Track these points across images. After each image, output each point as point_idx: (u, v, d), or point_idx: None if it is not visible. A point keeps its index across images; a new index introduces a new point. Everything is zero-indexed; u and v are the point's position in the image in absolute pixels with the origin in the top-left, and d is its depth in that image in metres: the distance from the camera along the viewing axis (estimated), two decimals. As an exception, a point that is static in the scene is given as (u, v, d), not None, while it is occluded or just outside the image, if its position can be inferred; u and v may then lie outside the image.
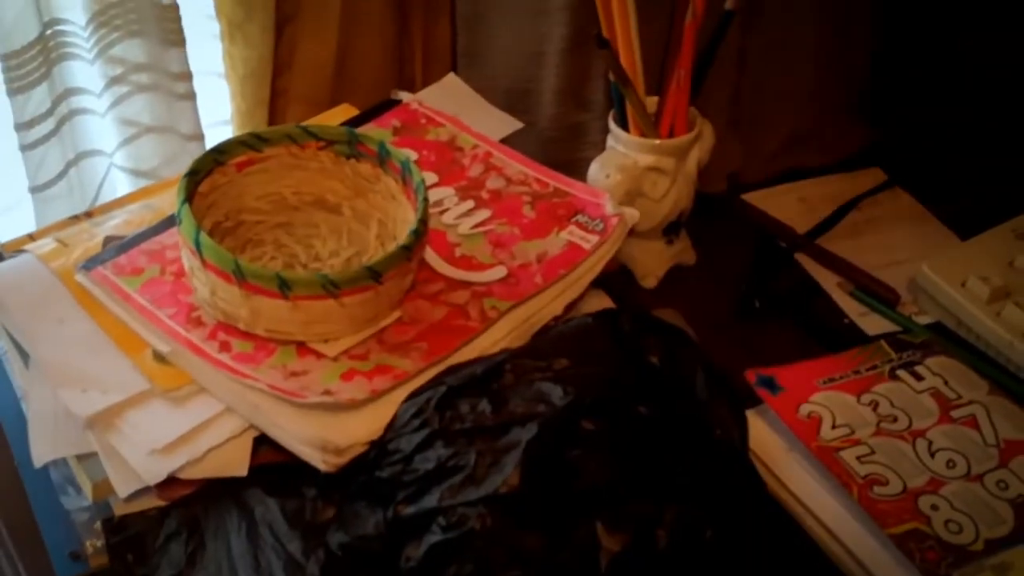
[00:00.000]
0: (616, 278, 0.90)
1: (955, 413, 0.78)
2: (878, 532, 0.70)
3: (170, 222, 0.79)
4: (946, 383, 0.80)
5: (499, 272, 0.80)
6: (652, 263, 0.93)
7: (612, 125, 0.89)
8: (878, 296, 0.92)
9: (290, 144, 0.81)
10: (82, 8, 0.90)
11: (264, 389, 0.69)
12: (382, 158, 0.80)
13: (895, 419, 0.77)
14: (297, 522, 0.69)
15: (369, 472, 0.67)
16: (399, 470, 0.65)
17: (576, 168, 0.91)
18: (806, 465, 0.76)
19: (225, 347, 0.72)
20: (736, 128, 1.05)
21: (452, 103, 0.95)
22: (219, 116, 1.04)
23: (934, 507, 0.72)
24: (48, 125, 0.92)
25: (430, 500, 0.63)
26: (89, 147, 0.97)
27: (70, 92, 0.93)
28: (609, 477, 0.64)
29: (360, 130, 0.85)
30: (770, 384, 0.79)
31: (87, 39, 0.92)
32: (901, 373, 0.81)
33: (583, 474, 0.64)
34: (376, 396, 0.70)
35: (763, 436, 0.78)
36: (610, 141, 0.90)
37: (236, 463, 0.71)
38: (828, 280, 0.95)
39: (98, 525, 0.70)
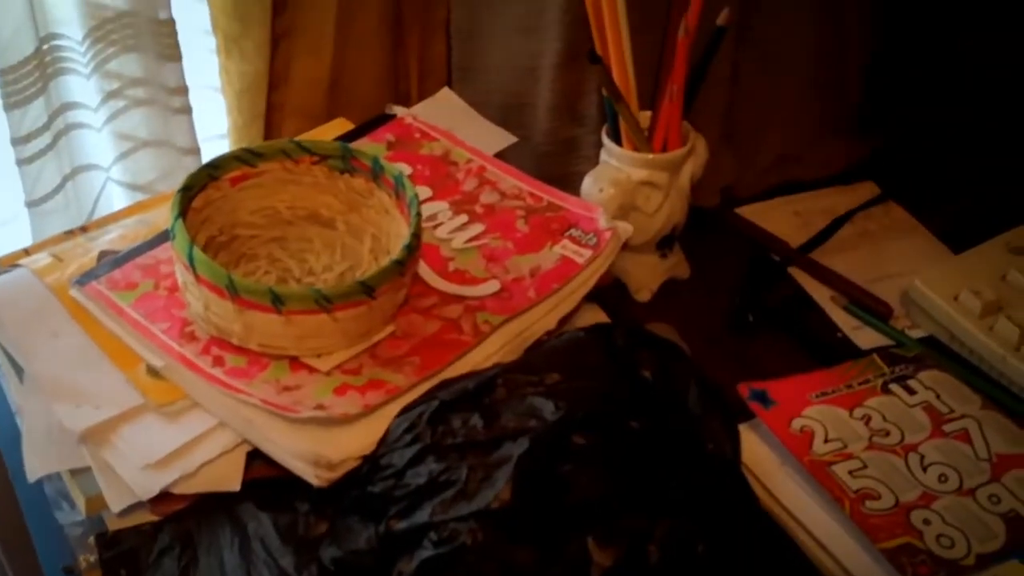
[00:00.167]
0: (610, 292, 0.90)
1: (947, 427, 0.78)
2: (870, 546, 0.70)
3: (164, 237, 0.80)
4: (938, 397, 0.81)
5: (492, 286, 0.80)
6: (646, 277, 0.93)
7: (605, 139, 0.89)
8: (871, 310, 0.92)
9: (284, 159, 0.81)
10: (79, 23, 0.91)
11: (257, 404, 0.70)
12: (376, 173, 0.80)
13: (887, 433, 0.78)
14: (290, 537, 0.69)
15: (361, 487, 0.67)
16: (391, 485, 0.66)
17: (570, 182, 0.91)
18: (798, 479, 0.76)
19: (218, 362, 0.73)
20: (730, 142, 1.05)
21: (446, 118, 0.95)
22: (215, 130, 1.04)
23: (926, 521, 0.72)
24: (45, 139, 0.92)
25: (422, 515, 0.63)
26: (85, 161, 0.97)
27: (67, 106, 0.94)
28: (601, 492, 0.65)
29: (354, 145, 0.85)
30: (762, 398, 0.80)
31: (83, 54, 0.92)
32: (894, 387, 0.81)
33: (575, 489, 0.64)
34: (369, 411, 0.70)
35: (756, 450, 0.78)
36: (603, 155, 0.90)
37: (229, 478, 0.71)
38: (821, 294, 0.95)
39: (91, 540, 0.70)
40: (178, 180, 0.78)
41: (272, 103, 1.00)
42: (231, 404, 0.71)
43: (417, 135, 0.93)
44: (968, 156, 1.05)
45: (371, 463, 0.68)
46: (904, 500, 0.73)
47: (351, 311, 0.72)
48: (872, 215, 1.04)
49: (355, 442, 0.69)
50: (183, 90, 0.96)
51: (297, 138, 0.82)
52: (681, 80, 0.87)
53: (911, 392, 0.81)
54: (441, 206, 0.86)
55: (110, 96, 0.95)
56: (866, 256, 0.99)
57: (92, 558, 0.69)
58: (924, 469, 0.75)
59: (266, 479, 0.72)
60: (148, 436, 0.71)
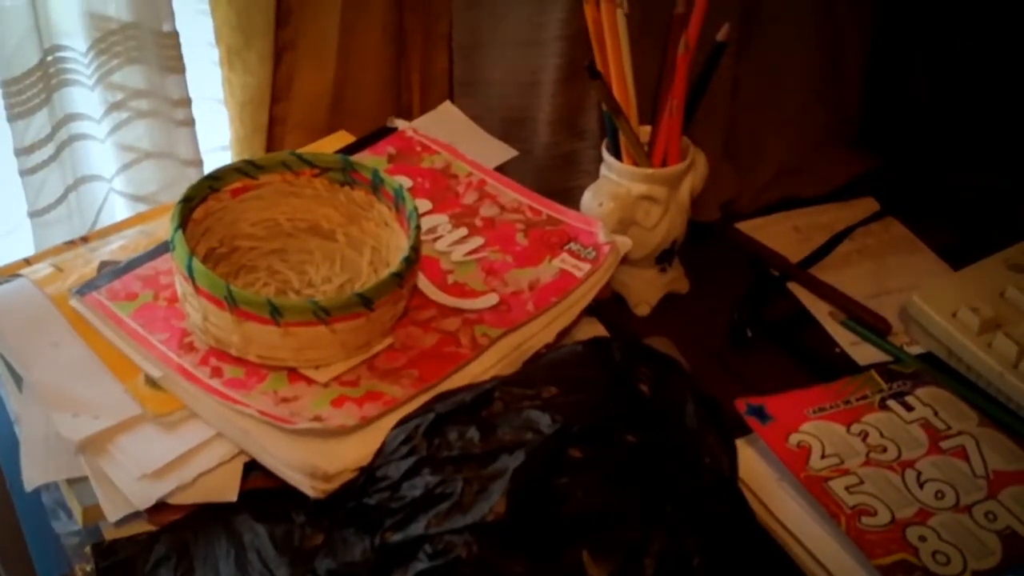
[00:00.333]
0: (609, 306, 0.90)
1: (944, 444, 0.78)
2: (866, 562, 0.70)
3: (164, 248, 0.80)
4: (936, 414, 0.81)
5: (491, 299, 0.80)
6: (645, 291, 0.93)
7: (605, 154, 0.90)
8: (869, 326, 0.92)
9: (284, 171, 0.81)
10: (83, 35, 0.91)
11: (254, 415, 0.70)
12: (376, 185, 0.81)
13: (884, 449, 0.78)
14: (285, 548, 0.69)
15: (357, 499, 0.67)
16: (387, 497, 0.66)
17: (570, 196, 0.92)
18: (795, 495, 0.76)
19: (217, 373, 0.73)
20: (730, 158, 1.06)
21: (447, 131, 0.96)
22: (218, 142, 1.05)
23: (922, 538, 0.72)
24: (48, 150, 0.93)
25: (417, 527, 0.63)
26: (89, 172, 0.98)
27: (70, 118, 0.94)
28: (596, 505, 0.65)
29: (355, 157, 0.86)
30: (760, 413, 0.80)
31: (87, 65, 0.93)
32: (891, 403, 0.81)
33: (570, 502, 0.64)
34: (366, 423, 0.71)
35: (753, 465, 0.78)
36: (603, 170, 0.90)
37: (226, 489, 0.71)
38: (820, 309, 0.95)
39: (88, 549, 0.70)
40: (180, 192, 0.78)
41: (274, 115, 1.01)
42: (228, 415, 0.71)
43: (418, 148, 0.93)
44: (968, 170, 1.05)
45: (367, 475, 0.68)
46: (900, 516, 0.73)
47: (349, 323, 0.72)
48: (871, 231, 1.04)
49: (351, 454, 0.69)
50: (186, 102, 0.97)
51: (298, 151, 0.83)
52: (681, 95, 0.87)
53: (909, 408, 0.81)
54: (441, 219, 0.87)
55: (113, 108, 0.96)
56: (865, 272, 0.99)
57: (88, 568, 0.69)
58: (921, 485, 0.75)
59: (263, 490, 0.72)
60: (146, 446, 0.71)
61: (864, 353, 0.91)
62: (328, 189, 0.82)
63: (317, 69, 0.99)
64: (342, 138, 0.96)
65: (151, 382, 0.74)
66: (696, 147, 0.91)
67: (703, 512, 0.68)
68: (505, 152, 0.96)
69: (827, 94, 1.10)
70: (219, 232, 0.80)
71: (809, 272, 0.98)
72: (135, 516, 0.70)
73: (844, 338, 0.92)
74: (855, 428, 0.79)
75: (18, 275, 0.81)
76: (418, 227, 0.76)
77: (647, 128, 0.91)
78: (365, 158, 0.90)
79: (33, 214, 0.95)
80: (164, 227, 0.82)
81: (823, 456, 0.77)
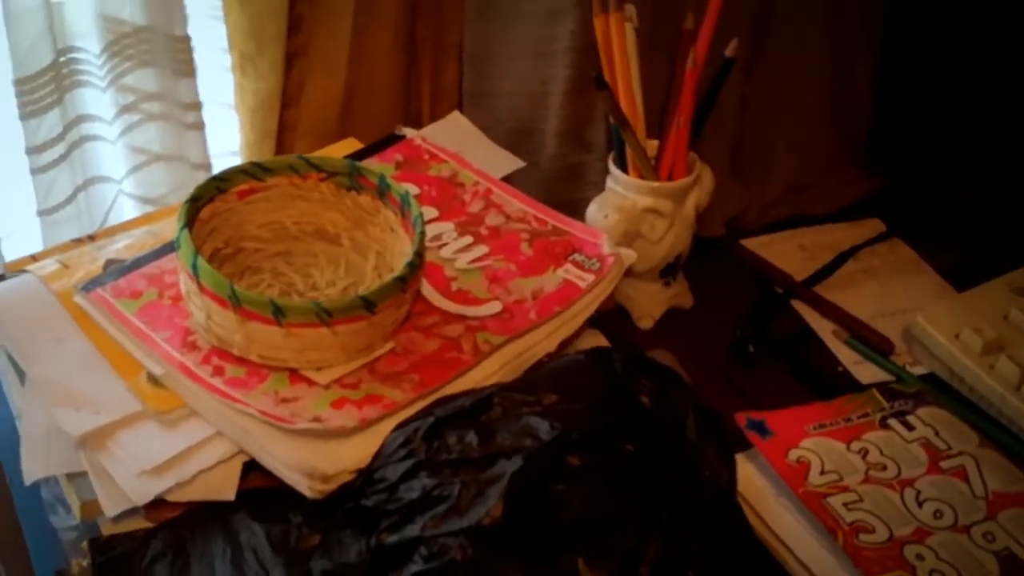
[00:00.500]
0: (612, 319, 0.91)
1: (944, 464, 0.78)
2: (863, 579, 0.70)
3: (170, 247, 0.80)
4: (937, 434, 0.81)
5: (494, 307, 0.80)
6: (649, 304, 0.94)
7: (612, 166, 0.90)
8: (872, 345, 0.92)
9: (292, 174, 0.82)
10: (97, 37, 0.92)
11: (254, 414, 0.70)
12: (382, 191, 0.81)
13: (884, 467, 0.77)
14: (282, 548, 0.69)
15: (355, 500, 0.67)
16: (384, 499, 0.66)
17: (576, 208, 0.92)
18: (793, 510, 0.76)
19: (218, 371, 0.73)
20: (737, 174, 1.06)
21: (455, 140, 0.96)
22: (227, 147, 1.05)
23: (919, 557, 0.71)
24: (59, 150, 0.94)
25: (413, 529, 0.63)
26: (98, 173, 0.99)
27: (82, 119, 0.95)
28: (593, 512, 0.65)
29: (362, 164, 0.86)
30: (760, 428, 0.80)
31: (100, 67, 0.94)
32: (892, 422, 0.81)
33: (567, 508, 0.64)
34: (365, 425, 0.71)
35: (752, 480, 0.78)
36: (609, 182, 0.91)
37: (224, 487, 0.71)
38: (823, 328, 0.95)
39: (85, 544, 0.70)
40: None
41: (284, 122, 1.01)
42: (229, 414, 0.71)
43: (425, 156, 0.94)
44: (974, 192, 1.05)
45: (365, 477, 0.68)
46: (898, 534, 0.73)
47: (351, 325, 0.72)
48: (877, 252, 1.04)
49: (350, 455, 0.69)
50: (197, 106, 0.98)
51: (305, 155, 0.83)
52: (688, 110, 0.87)
53: (909, 428, 0.81)
54: (446, 226, 0.87)
55: (125, 110, 0.97)
56: (870, 292, 0.99)
57: (85, 562, 0.69)
58: (919, 504, 0.75)
59: (260, 490, 0.72)
60: (145, 443, 0.71)
61: (866, 372, 0.91)
62: (335, 193, 0.83)
63: (328, 76, 1.00)
64: (350, 145, 0.96)
65: (153, 379, 0.74)
66: (703, 162, 0.91)
67: (700, 523, 0.68)
68: (512, 163, 0.97)
69: (836, 113, 1.10)
70: (225, 233, 0.80)
71: (813, 290, 0.98)
72: (133, 512, 0.70)
73: (847, 357, 0.92)
74: (855, 445, 0.79)
75: (24, 271, 0.81)
76: (423, 232, 0.76)
77: (654, 142, 0.91)
78: (373, 165, 0.91)
79: (42, 213, 0.95)
80: (170, 228, 0.83)
81: (822, 472, 0.77)
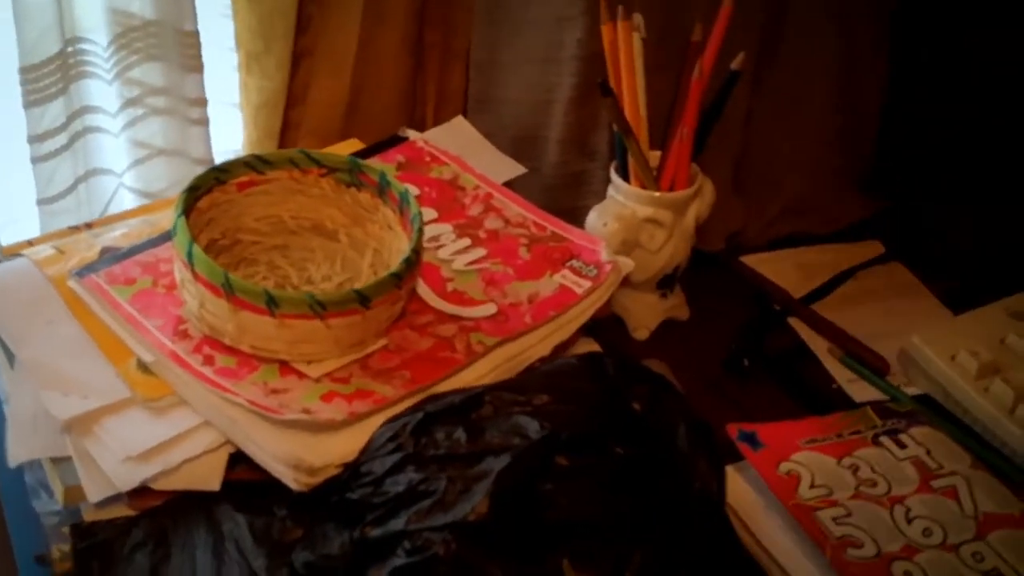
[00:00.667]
0: (608, 328, 0.90)
1: (935, 483, 0.78)
2: (850, 594, 0.70)
3: (166, 237, 0.80)
4: (929, 453, 0.80)
5: (489, 309, 0.80)
6: (645, 315, 0.93)
7: (613, 175, 0.90)
8: (868, 364, 0.92)
9: (292, 169, 0.82)
10: (105, 29, 0.92)
11: (243, 404, 0.70)
12: (382, 188, 0.81)
13: (874, 484, 0.77)
14: (264, 540, 0.68)
15: (340, 493, 0.67)
16: (369, 492, 0.65)
17: (577, 216, 0.92)
18: (782, 523, 0.75)
19: (209, 361, 0.73)
20: (739, 190, 1.06)
21: (458, 144, 0.96)
22: (230, 146, 1.05)
23: (907, 573, 0.71)
24: (61, 139, 0.93)
25: (397, 523, 0.63)
26: (100, 165, 0.99)
27: (86, 110, 0.95)
28: (580, 514, 0.64)
29: (363, 161, 0.86)
30: (751, 440, 0.79)
31: (107, 59, 0.94)
32: (884, 440, 0.81)
33: (554, 508, 0.64)
34: (354, 419, 0.70)
35: (741, 492, 0.77)
36: (610, 190, 0.90)
37: (209, 477, 0.71)
38: (819, 345, 0.95)
39: (66, 530, 0.69)
40: (189, 191, 0.78)
41: (289, 121, 1.01)
42: (217, 403, 0.71)
43: (427, 158, 0.94)
44: (976, 218, 1.05)
45: (351, 470, 0.68)
46: (886, 550, 0.72)
47: (344, 319, 0.72)
48: (876, 273, 1.04)
49: (337, 449, 0.69)
50: (202, 102, 0.98)
51: (307, 150, 0.83)
52: (692, 121, 0.87)
53: (902, 446, 0.80)
54: (445, 228, 0.87)
55: (129, 103, 0.97)
56: (867, 313, 0.99)
57: (65, 548, 0.69)
58: (909, 521, 0.74)
59: (246, 482, 0.71)
60: (132, 429, 0.71)
61: (861, 391, 0.90)
62: (334, 189, 0.83)
63: (334, 77, 1.00)
64: (353, 145, 0.97)
65: (143, 366, 0.74)
66: (705, 175, 0.91)
67: (688, 532, 0.67)
68: (514, 168, 0.97)
69: (841, 134, 1.10)
70: (223, 224, 0.80)
71: (811, 308, 0.98)
72: (116, 500, 0.70)
73: (841, 375, 0.92)
74: (846, 461, 0.78)
75: (19, 255, 0.81)
76: (421, 230, 0.76)
77: (657, 153, 0.91)
78: (374, 164, 0.91)
79: (41, 202, 0.95)
80: (168, 218, 0.83)
81: (812, 486, 0.76)
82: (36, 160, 0.93)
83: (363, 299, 0.72)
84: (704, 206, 0.91)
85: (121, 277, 0.78)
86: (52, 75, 0.90)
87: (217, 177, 0.79)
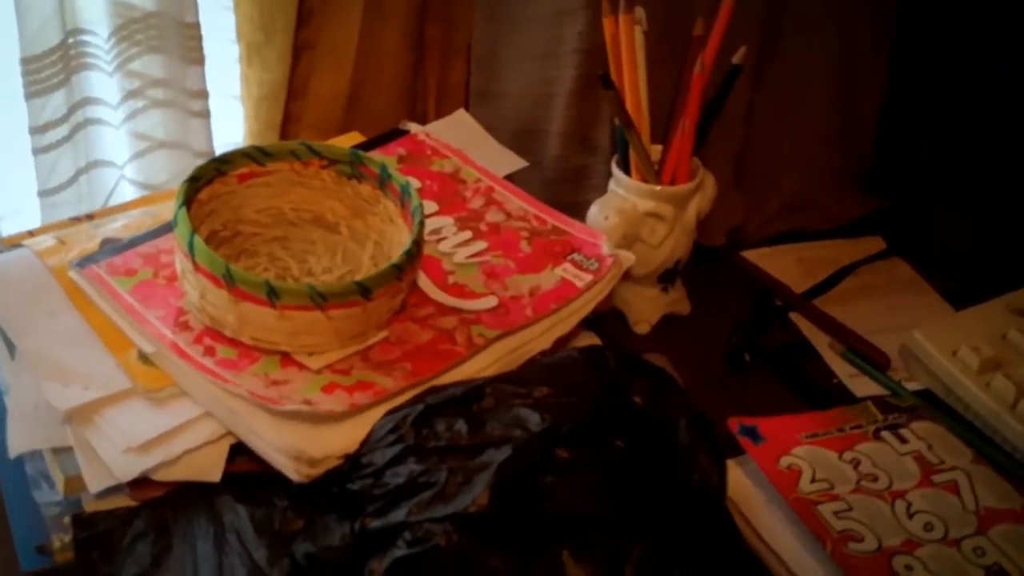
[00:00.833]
0: (609, 323, 0.90)
1: (936, 478, 0.78)
2: (850, 587, 0.70)
3: (167, 228, 0.80)
4: (930, 448, 0.80)
5: (490, 302, 0.80)
6: (646, 309, 0.93)
7: (614, 168, 0.90)
8: (868, 359, 0.92)
9: (293, 160, 0.82)
10: (106, 21, 0.92)
11: (243, 395, 0.70)
12: (383, 180, 0.81)
13: (875, 478, 0.77)
14: (265, 531, 0.68)
15: (341, 484, 0.67)
16: (370, 483, 0.65)
17: (578, 211, 0.92)
18: (782, 517, 0.75)
19: (210, 352, 0.73)
20: (740, 185, 1.06)
21: (459, 138, 0.96)
22: (230, 139, 1.05)
23: (908, 567, 0.71)
24: (62, 131, 0.93)
25: (398, 514, 0.63)
26: (101, 157, 0.98)
27: (87, 101, 0.95)
28: (581, 506, 0.64)
29: (364, 154, 0.86)
30: (752, 433, 0.79)
31: (108, 51, 0.94)
32: (885, 434, 0.81)
33: (555, 501, 0.64)
34: (355, 411, 0.70)
35: (742, 486, 0.77)
36: (611, 184, 0.90)
37: (210, 468, 0.70)
38: (820, 340, 0.95)
39: (67, 520, 0.69)
40: (190, 183, 0.78)
41: (289, 114, 1.01)
42: (218, 394, 0.71)
43: (428, 151, 0.94)
44: (977, 215, 1.05)
45: (352, 461, 0.67)
46: (887, 544, 0.72)
47: (345, 311, 0.72)
48: (877, 269, 1.04)
49: (338, 441, 0.69)
50: (203, 94, 0.98)
51: (308, 141, 0.83)
52: (694, 115, 0.87)
53: (903, 440, 0.80)
54: (446, 221, 0.87)
55: (130, 95, 0.96)
56: (868, 308, 0.98)
57: (66, 538, 0.69)
58: (910, 516, 0.74)
59: (246, 474, 0.71)
60: (133, 420, 0.71)
61: (861, 386, 0.90)
62: (335, 181, 0.83)
63: (334, 70, 1.00)
64: (354, 138, 0.96)
65: (143, 357, 0.73)
66: (706, 169, 0.91)
67: (689, 526, 0.67)
68: (515, 162, 0.97)
69: (841, 133, 1.10)
70: (223, 215, 0.80)
71: (812, 303, 0.98)
72: (117, 490, 0.70)
73: (842, 370, 0.92)
74: (847, 455, 0.78)
75: (20, 245, 0.81)
76: (422, 222, 0.76)
77: (658, 147, 0.91)
78: (375, 157, 0.91)
79: (43, 193, 0.95)
80: (169, 210, 0.82)
81: (813, 480, 0.76)
82: (37, 151, 0.93)
83: (364, 291, 0.72)
84: (706, 200, 0.91)
85: (122, 268, 0.78)
86: (53, 66, 0.90)
87: (218, 168, 0.79)
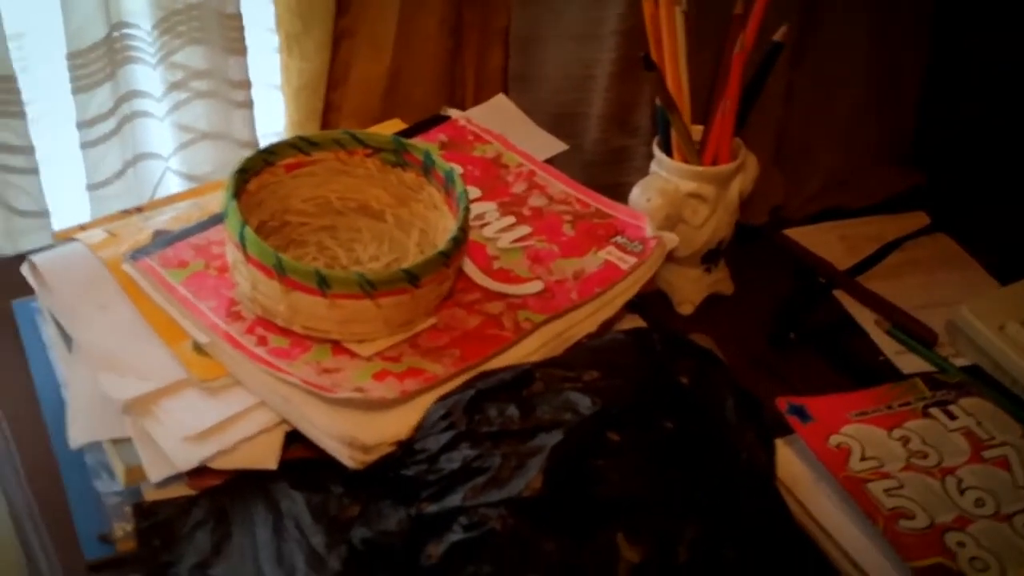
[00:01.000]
0: (653, 304, 0.90)
1: (986, 453, 0.77)
2: (902, 565, 0.70)
3: (217, 219, 0.81)
4: (979, 424, 0.80)
5: (535, 286, 0.80)
6: (689, 290, 0.93)
7: (656, 150, 0.90)
8: (915, 335, 0.91)
9: (338, 149, 0.82)
10: (148, 13, 0.93)
11: (296, 383, 0.71)
12: (427, 167, 0.82)
13: (925, 455, 0.77)
14: (321, 517, 0.69)
15: (395, 470, 0.68)
16: (424, 469, 0.66)
17: (618, 193, 0.92)
18: (833, 495, 0.75)
19: (262, 341, 0.74)
20: (780, 163, 1.06)
21: (499, 122, 0.97)
22: (272, 128, 1.06)
23: (960, 543, 0.71)
24: (109, 124, 0.95)
25: (453, 499, 0.64)
26: (147, 150, 1.00)
27: (133, 94, 0.96)
28: (632, 489, 0.65)
29: (408, 141, 0.86)
30: (801, 413, 0.79)
31: (151, 44, 0.95)
32: (934, 411, 0.81)
33: (606, 484, 0.64)
34: (406, 397, 0.71)
35: (791, 465, 0.78)
36: (653, 166, 0.90)
37: (266, 456, 0.72)
38: (866, 317, 0.94)
39: (128, 509, 0.71)
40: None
41: (329, 103, 1.02)
42: (271, 383, 0.72)
43: (470, 137, 0.94)
44: (1019, 186, 1.05)
45: (405, 447, 0.68)
46: (939, 521, 0.72)
47: (394, 298, 0.73)
48: (921, 244, 1.03)
49: (391, 427, 0.70)
50: (246, 84, 0.98)
51: (352, 130, 0.84)
52: (735, 95, 0.87)
53: (952, 417, 0.80)
54: (489, 206, 0.87)
55: (174, 87, 0.98)
56: (913, 284, 0.98)
57: (128, 527, 0.70)
58: (961, 492, 0.74)
59: (301, 460, 0.72)
60: (189, 410, 0.72)
61: (908, 362, 0.90)
62: (380, 169, 0.83)
63: (374, 58, 1.01)
64: (395, 126, 0.97)
65: (198, 348, 0.74)
66: (747, 149, 0.91)
67: (738, 506, 0.68)
68: (555, 145, 0.97)
69: (881, 108, 1.09)
70: (271, 206, 0.81)
71: (856, 280, 0.98)
72: (176, 479, 0.71)
73: (889, 347, 0.92)
74: (896, 433, 0.78)
75: (73, 239, 0.82)
76: (467, 208, 0.76)
77: (699, 127, 0.91)
78: (418, 143, 0.91)
79: (91, 187, 0.97)
80: (216, 201, 0.84)
81: (863, 458, 0.76)
82: (85, 145, 0.95)
83: (412, 278, 0.73)
84: (748, 180, 0.91)
85: (174, 260, 0.79)
86: (99, 60, 0.91)
87: (265, 159, 0.80)
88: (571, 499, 0.63)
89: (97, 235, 0.82)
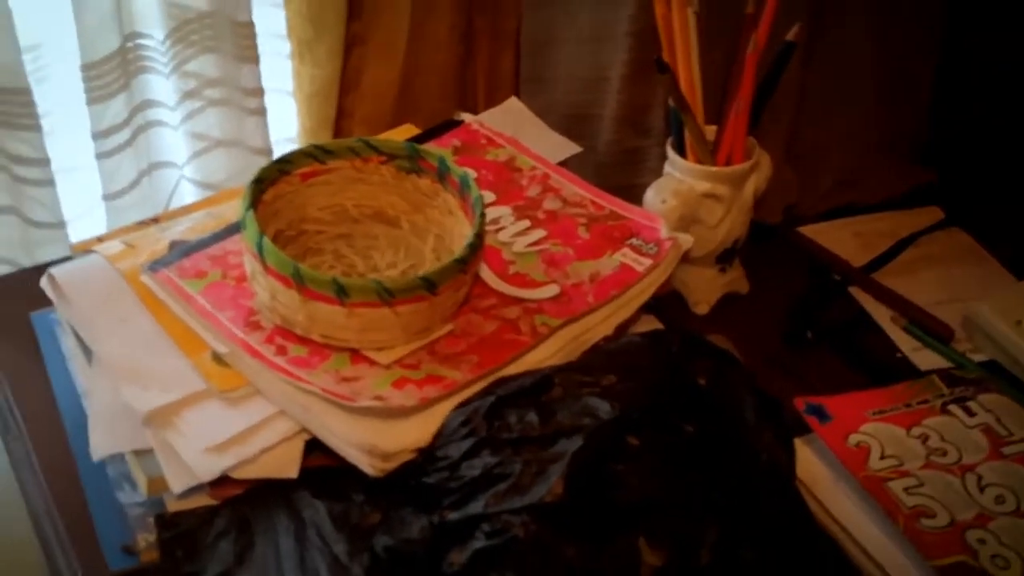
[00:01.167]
0: (668, 304, 0.90)
1: (1006, 450, 0.77)
2: (923, 563, 0.70)
3: (234, 229, 0.82)
4: (998, 420, 0.80)
5: (551, 290, 0.81)
6: (704, 290, 0.93)
7: (669, 151, 0.90)
8: (932, 332, 0.91)
9: (353, 157, 0.83)
10: (161, 23, 0.94)
11: (316, 392, 0.71)
12: (442, 174, 0.82)
13: (944, 453, 0.77)
14: (343, 525, 0.70)
15: (416, 478, 0.68)
16: (446, 476, 0.67)
17: (633, 195, 0.92)
18: (853, 495, 0.75)
19: (281, 351, 0.74)
20: (794, 162, 1.05)
21: (512, 126, 0.97)
22: (284, 134, 1.06)
23: (981, 541, 0.71)
24: (124, 135, 0.95)
25: (475, 506, 0.64)
26: (162, 158, 1.00)
27: (147, 104, 0.97)
28: (652, 493, 0.65)
29: (422, 147, 0.86)
30: (819, 412, 0.79)
31: (164, 53, 0.95)
32: (952, 408, 0.81)
33: (627, 488, 0.65)
34: (426, 404, 0.71)
35: (810, 464, 0.78)
36: (667, 167, 0.90)
37: (287, 465, 0.72)
38: (882, 314, 0.94)
39: (151, 520, 0.71)
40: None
41: (342, 109, 1.02)
42: (291, 392, 0.72)
43: (483, 141, 0.94)
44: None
45: (426, 455, 0.69)
46: (959, 519, 0.72)
47: (412, 306, 0.73)
48: (936, 239, 1.03)
49: (411, 434, 0.70)
50: (259, 91, 0.99)
51: (366, 137, 0.84)
52: (748, 95, 0.87)
53: (970, 413, 0.80)
54: (504, 211, 0.87)
55: (187, 96, 0.98)
56: (928, 280, 0.98)
57: (151, 538, 0.71)
58: (981, 490, 0.74)
59: (322, 468, 0.73)
60: (210, 420, 0.72)
61: (926, 359, 0.90)
62: (395, 176, 0.83)
63: (385, 64, 1.01)
64: (408, 131, 0.97)
65: (217, 358, 0.75)
66: (761, 148, 0.91)
67: (758, 507, 0.68)
68: (568, 148, 0.97)
69: (893, 104, 1.09)
70: (288, 215, 0.81)
71: (871, 277, 0.97)
72: (197, 490, 0.72)
73: (906, 343, 0.91)
74: (915, 431, 0.78)
75: (91, 251, 0.83)
76: (483, 214, 0.77)
77: (712, 128, 0.91)
78: (432, 149, 0.91)
79: (107, 197, 0.97)
80: (231, 210, 0.84)
81: (882, 457, 0.76)
82: (101, 156, 0.95)
83: (430, 285, 0.73)
84: (762, 179, 0.91)
85: (192, 270, 0.79)
86: (113, 71, 0.92)
87: (281, 168, 0.80)
88: (592, 504, 0.64)
89: (115, 247, 0.83)
